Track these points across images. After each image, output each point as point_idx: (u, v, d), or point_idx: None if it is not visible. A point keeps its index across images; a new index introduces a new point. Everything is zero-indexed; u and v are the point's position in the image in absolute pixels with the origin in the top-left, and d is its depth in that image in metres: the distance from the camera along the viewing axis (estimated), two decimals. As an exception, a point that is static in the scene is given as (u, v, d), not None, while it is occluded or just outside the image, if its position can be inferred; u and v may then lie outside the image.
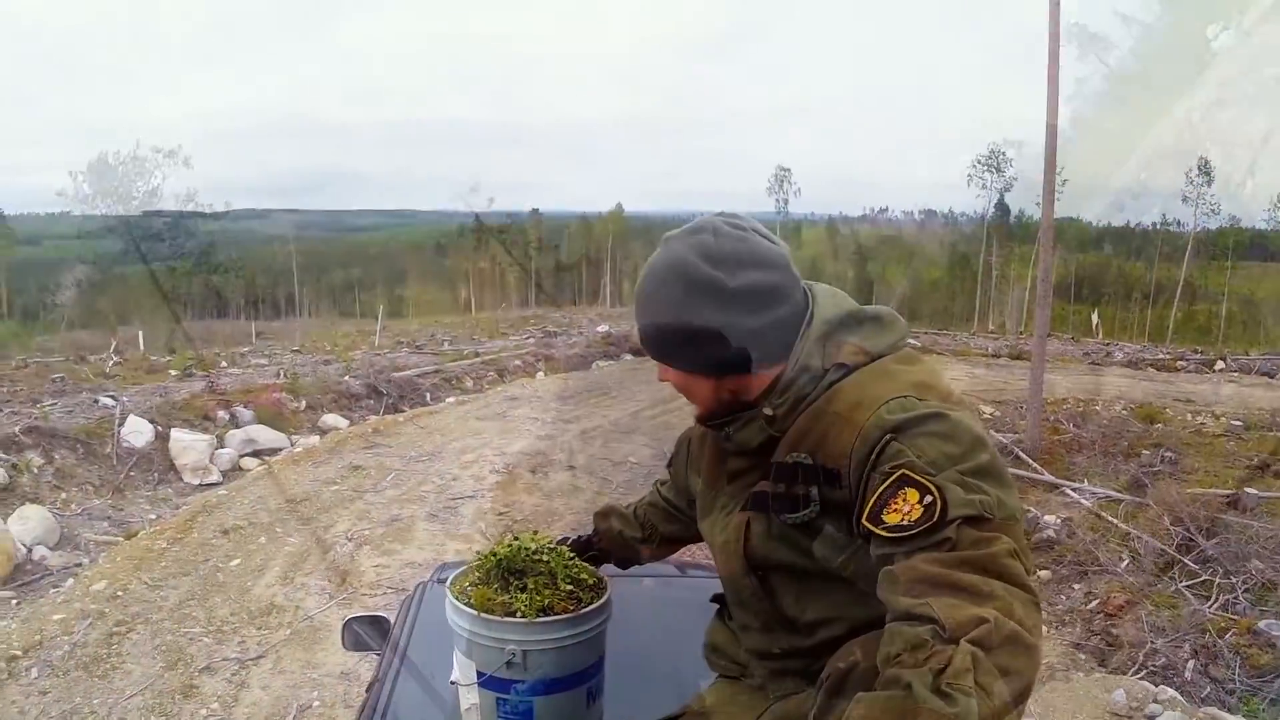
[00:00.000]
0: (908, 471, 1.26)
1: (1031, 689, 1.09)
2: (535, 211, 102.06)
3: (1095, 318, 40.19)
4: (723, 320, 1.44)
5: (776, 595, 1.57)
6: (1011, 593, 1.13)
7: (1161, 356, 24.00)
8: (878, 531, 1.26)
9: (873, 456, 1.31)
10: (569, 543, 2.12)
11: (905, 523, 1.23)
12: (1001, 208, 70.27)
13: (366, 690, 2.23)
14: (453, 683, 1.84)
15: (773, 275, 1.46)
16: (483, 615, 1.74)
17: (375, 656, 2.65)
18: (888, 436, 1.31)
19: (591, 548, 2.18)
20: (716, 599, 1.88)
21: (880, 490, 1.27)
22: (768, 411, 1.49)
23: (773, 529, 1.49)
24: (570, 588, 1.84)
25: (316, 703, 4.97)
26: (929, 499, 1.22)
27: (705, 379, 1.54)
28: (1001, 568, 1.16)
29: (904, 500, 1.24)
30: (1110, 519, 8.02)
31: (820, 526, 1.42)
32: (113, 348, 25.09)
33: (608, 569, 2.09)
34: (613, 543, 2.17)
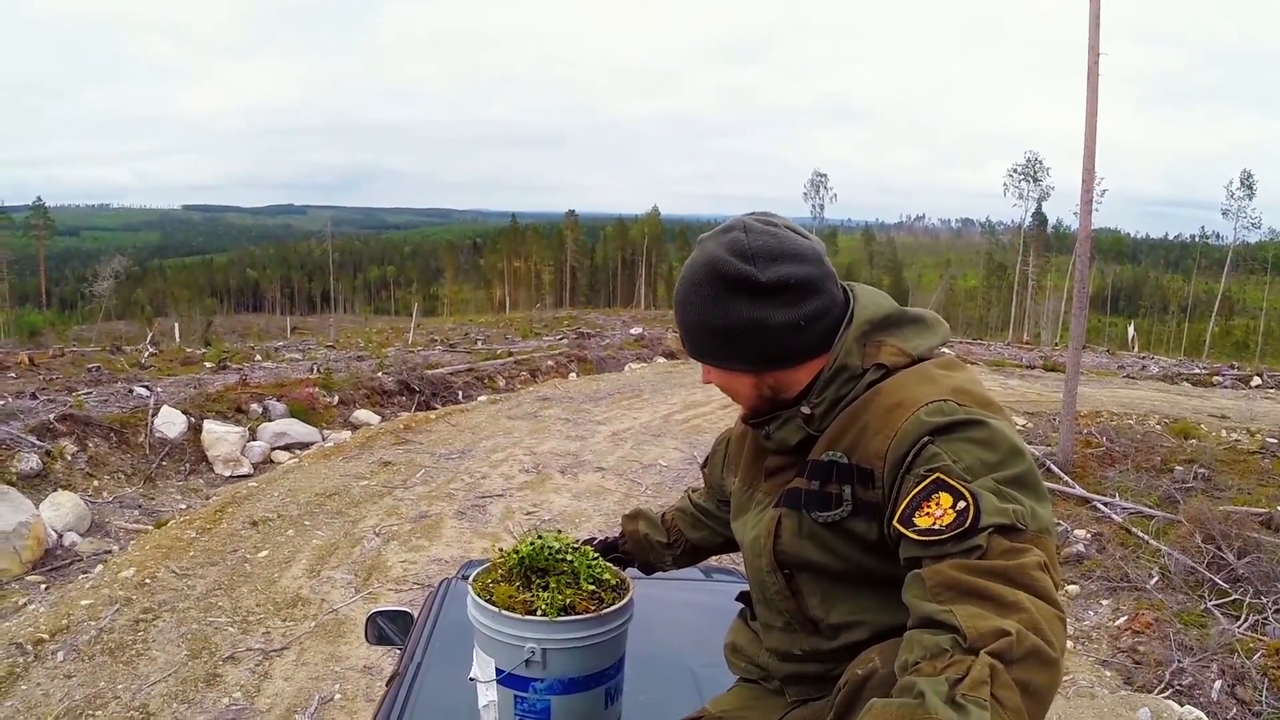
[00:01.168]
0: (943, 476, 1.25)
1: (1049, 706, 1.08)
2: (571, 213, 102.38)
3: (1131, 330, 39.76)
4: (756, 314, 1.44)
5: (802, 595, 1.56)
6: (1038, 606, 1.11)
7: (1197, 371, 23.76)
8: (908, 534, 1.25)
9: (908, 458, 1.31)
10: (594, 543, 2.11)
11: (936, 527, 1.21)
12: (1039, 217, 69.71)
13: (387, 684, 2.23)
14: (471, 679, 1.84)
15: (805, 268, 1.46)
16: (503, 612, 1.74)
17: (397, 651, 2.66)
18: (925, 439, 1.30)
19: (616, 550, 2.18)
20: (741, 597, 1.87)
21: (913, 493, 1.27)
22: (806, 410, 1.49)
23: (804, 527, 1.49)
24: (593, 588, 1.83)
25: (338, 695, 4.99)
26: (962, 505, 1.21)
27: (745, 376, 1.54)
28: (1030, 580, 1.14)
29: (937, 504, 1.23)
30: (1141, 535, 7.93)
31: (851, 527, 1.41)
32: (149, 338, 25.39)
33: (631, 573, 2.08)
34: (638, 546, 2.17)
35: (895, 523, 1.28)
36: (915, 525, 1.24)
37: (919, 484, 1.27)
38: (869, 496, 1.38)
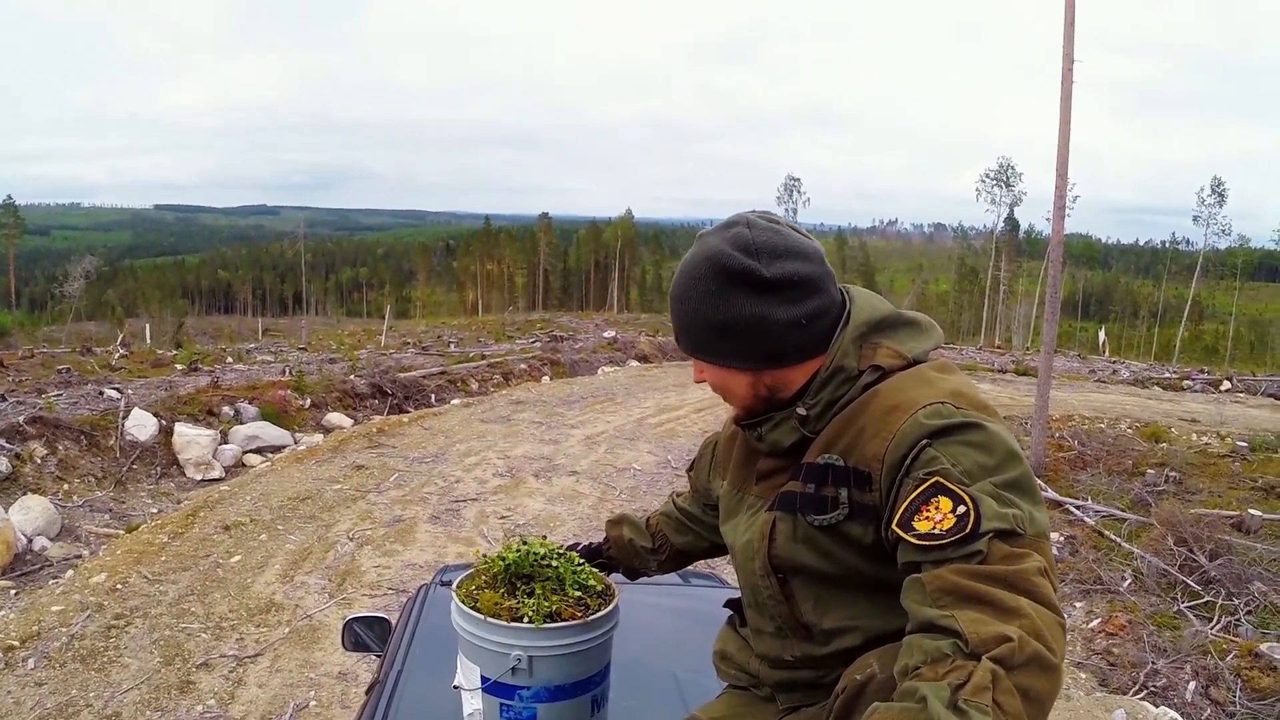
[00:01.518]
0: (942, 480, 1.24)
1: (1049, 711, 1.07)
2: (545, 215, 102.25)
3: (1102, 335, 40.15)
4: (758, 310, 1.43)
5: (795, 599, 1.54)
6: (1038, 612, 1.11)
7: (1168, 375, 24.01)
8: (907, 538, 1.23)
9: (907, 462, 1.30)
10: (579, 549, 2.09)
11: (936, 531, 1.20)
12: (1010, 222, 70.14)
13: (366, 693, 2.21)
14: (455, 687, 1.83)
15: (808, 266, 1.45)
16: (489, 620, 1.72)
17: (374, 658, 2.63)
18: (923, 442, 1.29)
19: (601, 555, 2.16)
20: (730, 604, 1.85)
21: (912, 497, 1.26)
22: (801, 411, 1.48)
23: (798, 531, 1.47)
24: (578, 594, 1.81)
25: (313, 702, 4.95)
26: (962, 509, 1.20)
27: (741, 374, 1.52)
28: (1030, 585, 1.14)
29: (936, 509, 1.22)
30: (1114, 538, 8.00)
31: (847, 530, 1.40)
32: (119, 340, 25.19)
33: (613, 578, 2.07)
34: (623, 551, 2.16)
35: (894, 527, 1.27)
36: (915, 529, 1.23)
37: (918, 488, 1.26)
38: (866, 500, 1.37)
